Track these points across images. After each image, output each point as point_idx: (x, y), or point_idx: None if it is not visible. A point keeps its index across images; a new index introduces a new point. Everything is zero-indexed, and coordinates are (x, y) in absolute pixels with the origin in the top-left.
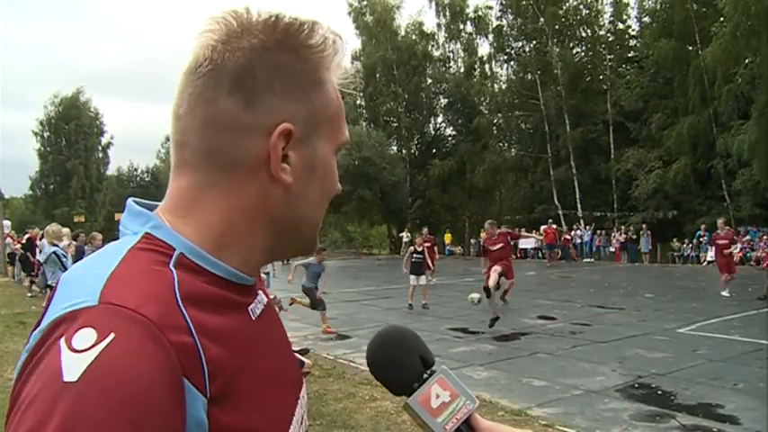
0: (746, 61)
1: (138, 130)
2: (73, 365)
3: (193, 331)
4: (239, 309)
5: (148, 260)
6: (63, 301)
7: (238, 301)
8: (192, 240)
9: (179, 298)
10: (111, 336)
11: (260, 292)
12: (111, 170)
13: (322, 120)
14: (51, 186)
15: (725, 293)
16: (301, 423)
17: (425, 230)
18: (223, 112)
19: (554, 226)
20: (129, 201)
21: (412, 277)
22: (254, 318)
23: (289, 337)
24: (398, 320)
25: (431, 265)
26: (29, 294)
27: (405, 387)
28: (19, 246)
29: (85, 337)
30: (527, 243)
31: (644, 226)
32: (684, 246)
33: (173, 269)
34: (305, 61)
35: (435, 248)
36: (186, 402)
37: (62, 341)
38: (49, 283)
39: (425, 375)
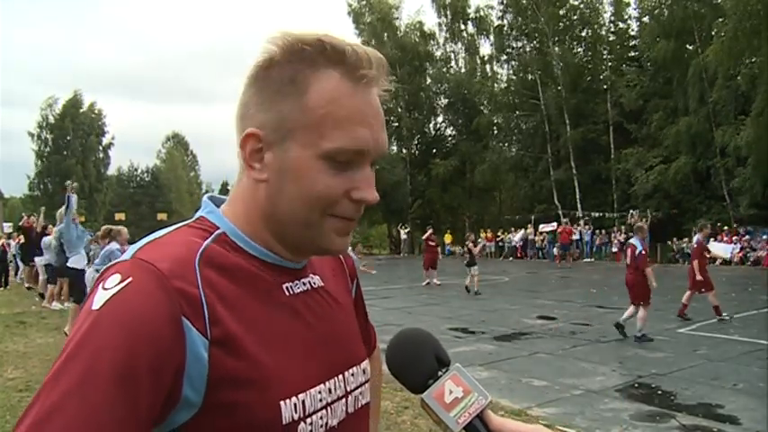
0: (747, 60)
1: (139, 130)
2: (100, 299)
3: (200, 285)
4: (268, 283)
5: (190, 234)
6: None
7: (268, 277)
8: (234, 224)
9: (198, 260)
10: (129, 279)
11: (314, 276)
12: (111, 170)
13: (295, 126)
14: (50, 186)
15: None
16: (343, 398)
17: (431, 230)
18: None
19: (569, 226)
20: (205, 197)
21: (475, 267)
22: (287, 294)
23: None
24: (399, 320)
25: (435, 265)
26: (26, 285)
27: (421, 384)
28: (16, 242)
29: (113, 279)
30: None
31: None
32: (685, 245)
33: (207, 241)
34: (284, 72)
35: (438, 248)
36: (186, 337)
37: (101, 283)
38: (69, 263)
39: (440, 373)
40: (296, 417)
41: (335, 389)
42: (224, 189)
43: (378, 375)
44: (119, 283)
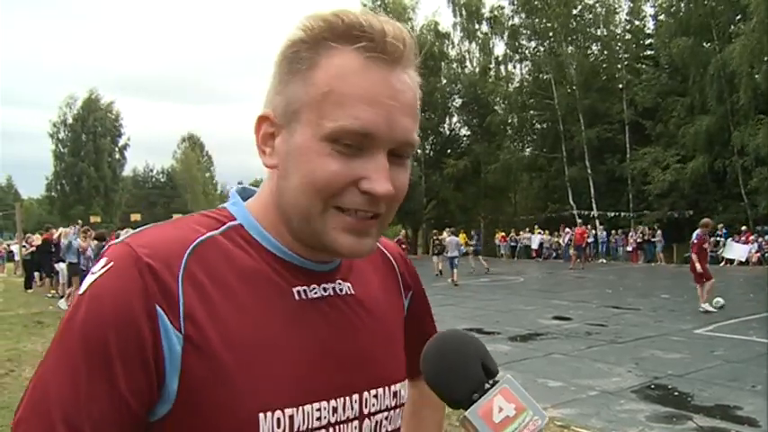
0: (766, 59)
1: (154, 131)
2: (86, 283)
3: (181, 277)
4: (275, 284)
5: (197, 223)
6: None
7: (277, 278)
8: (255, 216)
9: (189, 251)
10: (111, 264)
11: (344, 282)
12: (126, 171)
13: (301, 106)
14: (67, 187)
15: None
16: (355, 420)
17: (403, 232)
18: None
19: (584, 227)
20: (233, 189)
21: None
22: (297, 298)
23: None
24: None
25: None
26: (48, 295)
27: (464, 398)
28: (33, 248)
29: (100, 264)
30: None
31: (656, 227)
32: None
33: (213, 232)
34: (299, 52)
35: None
36: (159, 324)
37: (93, 268)
38: None
39: (487, 385)
40: None
41: (345, 409)
42: None
43: (433, 407)
44: (102, 267)
